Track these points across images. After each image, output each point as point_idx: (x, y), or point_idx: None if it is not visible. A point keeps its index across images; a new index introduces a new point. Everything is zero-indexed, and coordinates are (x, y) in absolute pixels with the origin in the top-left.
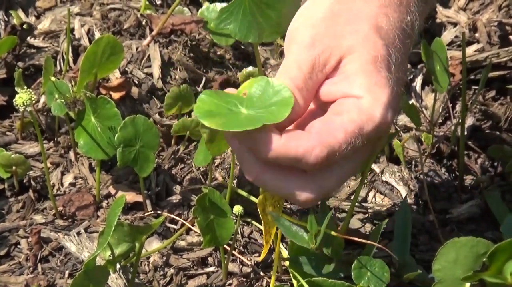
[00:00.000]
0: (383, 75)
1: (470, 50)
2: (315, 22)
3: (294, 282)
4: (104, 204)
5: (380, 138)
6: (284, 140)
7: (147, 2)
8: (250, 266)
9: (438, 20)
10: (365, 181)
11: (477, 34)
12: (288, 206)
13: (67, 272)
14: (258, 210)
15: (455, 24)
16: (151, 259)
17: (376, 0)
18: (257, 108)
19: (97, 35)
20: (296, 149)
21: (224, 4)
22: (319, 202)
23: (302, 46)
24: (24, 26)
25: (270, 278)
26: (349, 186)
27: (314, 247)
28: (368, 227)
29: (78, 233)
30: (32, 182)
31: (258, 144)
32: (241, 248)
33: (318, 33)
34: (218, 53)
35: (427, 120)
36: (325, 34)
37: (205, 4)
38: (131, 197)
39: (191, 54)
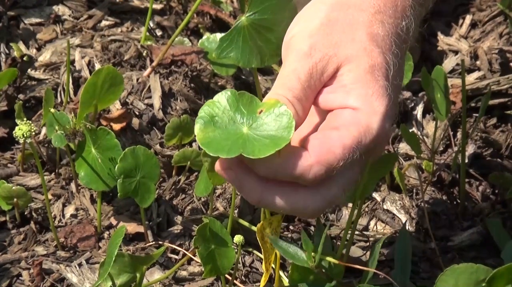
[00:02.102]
0: (381, 84)
1: (471, 77)
2: (311, 30)
3: None
4: (105, 235)
5: (378, 146)
6: (283, 159)
7: (148, 33)
8: None
9: (439, 48)
10: (366, 209)
11: (478, 62)
12: (287, 233)
13: None
14: (257, 237)
15: (456, 52)
16: None
17: (371, 7)
18: (258, 133)
19: (98, 66)
20: (294, 168)
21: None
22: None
23: (299, 55)
24: (25, 58)
25: None
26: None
27: (313, 266)
28: (369, 255)
29: (80, 264)
30: (34, 214)
31: (256, 163)
32: (242, 277)
33: (316, 41)
34: (219, 83)
35: (428, 148)
36: (322, 42)
37: (206, 35)
38: (133, 227)
39: (192, 85)
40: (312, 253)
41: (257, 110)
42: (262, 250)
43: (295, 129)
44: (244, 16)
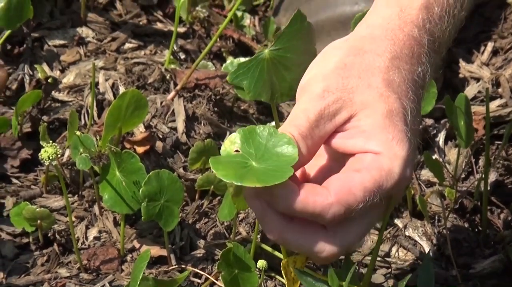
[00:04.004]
0: (400, 129)
1: (493, 105)
2: (326, 74)
3: None
4: (128, 258)
5: (398, 192)
6: (303, 196)
7: (171, 57)
8: None
9: (461, 75)
10: (388, 236)
11: (500, 89)
12: (312, 264)
13: None
14: (282, 273)
15: (478, 79)
16: None
17: (388, 53)
18: (265, 162)
19: (122, 89)
20: (314, 205)
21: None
22: (342, 257)
23: (312, 96)
24: (49, 80)
25: None
26: (372, 241)
27: None
28: (391, 283)
29: None
30: (57, 236)
31: (276, 198)
32: None
33: (329, 84)
34: (242, 107)
35: (450, 175)
36: (336, 86)
37: (229, 59)
38: (156, 251)
39: (215, 109)
40: None
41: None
42: (286, 286)
43: (298, 167)
44: (267, 49)
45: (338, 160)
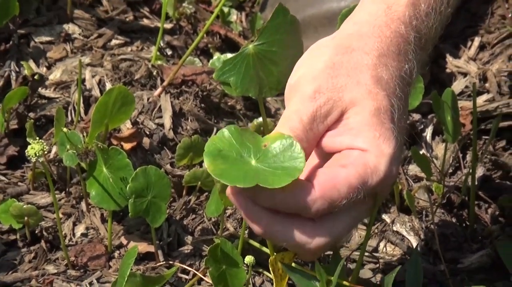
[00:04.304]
0: (387, 127)
1: (480, 100)
2: (316, 74)
3: None
4: (116, 254)
5: (385, 188)
6: (286, 190)
7: (158, 53)
8: None
9: (448, 70)
10: (376, 231)
11: (487, 84)
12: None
13: None
14: (270, 269)
15: (465, 74)
16: None
17: (375, 50)
18: (267, 165)
19: (108, 85)
20: (298, 199)
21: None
22: (330, 252)
23: (303, 97)
24: (35, 77)
25: None
26: (360, 236)
27: None
28: (379, 277)
29: (90, 283)
30: (44, 233)
31: (260, 193)
32: None
33: (320, 85)
34: (229, 103)
35: (438, 170)
36: (327, 86)
37: (216, 55)
38: (143, 247)
39: (202, 105)
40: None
41: (261, 144)
42: (274, 282)
43: None
44: (252, 44)
45: (326, 158)
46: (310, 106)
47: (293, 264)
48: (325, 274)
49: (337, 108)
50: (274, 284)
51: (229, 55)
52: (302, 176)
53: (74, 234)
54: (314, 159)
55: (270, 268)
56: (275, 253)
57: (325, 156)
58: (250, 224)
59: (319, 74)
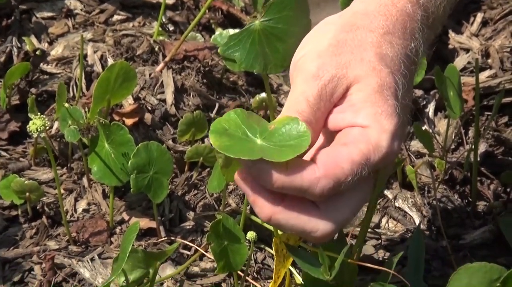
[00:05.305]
0: (390, 104)
1: (482, 76)
2: (320, 51)
3: None
4: (117, 230)
5: (386, 166)
6: (290, 170)
7: (160, 28)
8: None
9: (450, 46)
10: (378, 207)
11: (489, 60)
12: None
13: None
14: (273, 249)
15: (467, 50)
16: (165, 285)
17: (380, 28)
18: (272, 143)
19: (110, 61)
20: (302, 180)
21: (237, 30)
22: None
23: (308, 76)
24: (37, 53)
25: None
26: (362, 212)
27: (329, 279)
28: (381, 253)
29: (92, 259)
30: (46, 208)
31: (263, 173)
32: (254, 274)
33: (324, 62)
34: (231, 79)
35: (440, 146)
36: (331, 63)
37: (218, 30)
38: (145, 223)
39: (204, 80)
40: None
41: (268, 126)
42: (275, 261)
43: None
44: (258, 20)
45: (332, 137)
46: (314, 85)
47: (300, 244)
48: (327, 259)
49: (342, 85)
50: (275, 264)
51: (231, 31)
52: (308, 157)
53: (75, 210)
54: (320, 140)
55: (273, 248)
56: (280, 233)
57: (331, 135)
58: (256, 209)
59: (323, 51)
